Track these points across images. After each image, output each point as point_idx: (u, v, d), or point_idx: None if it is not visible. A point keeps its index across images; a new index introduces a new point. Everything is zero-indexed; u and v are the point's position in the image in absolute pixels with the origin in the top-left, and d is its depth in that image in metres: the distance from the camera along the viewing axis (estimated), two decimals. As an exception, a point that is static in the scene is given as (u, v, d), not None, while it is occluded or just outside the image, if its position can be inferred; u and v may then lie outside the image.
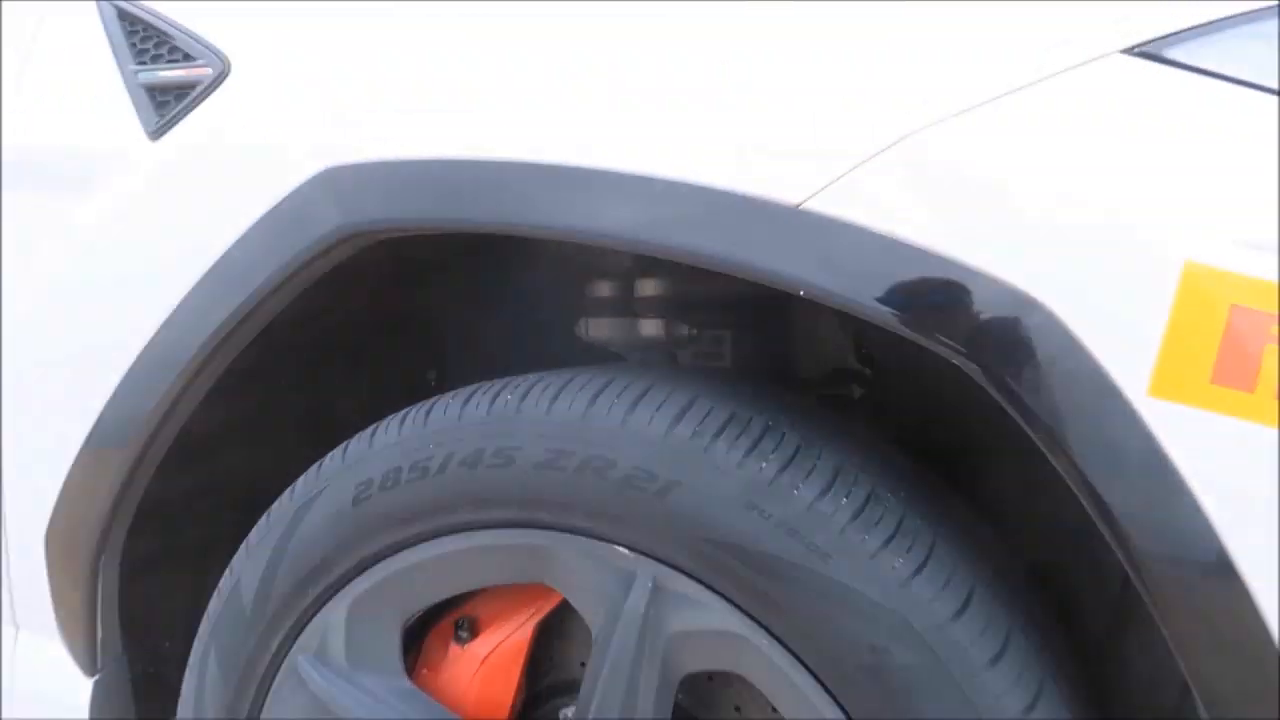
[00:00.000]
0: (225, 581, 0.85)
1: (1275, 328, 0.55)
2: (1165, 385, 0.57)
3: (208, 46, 0.85)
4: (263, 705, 0.84)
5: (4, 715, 0.95)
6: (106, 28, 0.92)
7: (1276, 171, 0.56)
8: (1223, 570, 0.58)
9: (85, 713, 0.92)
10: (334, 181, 0.76)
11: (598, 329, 0.98)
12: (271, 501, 0.87)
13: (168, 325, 0.84)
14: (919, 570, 0.65)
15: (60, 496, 0.90)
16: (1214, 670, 0.60)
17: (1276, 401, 0.55)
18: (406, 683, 0.82)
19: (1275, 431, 0.56)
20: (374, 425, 0.81)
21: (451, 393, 0.79)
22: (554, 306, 1.04)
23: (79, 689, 0.92)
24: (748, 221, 0.63)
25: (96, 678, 0.92)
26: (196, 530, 0.97)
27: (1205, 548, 0.58)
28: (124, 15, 0.92)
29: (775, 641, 0.67)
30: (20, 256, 0.92)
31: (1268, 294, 0.56)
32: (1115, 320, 0.58)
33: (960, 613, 0.64)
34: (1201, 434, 0.57)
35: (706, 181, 0.64)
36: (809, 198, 0.63)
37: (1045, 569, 0.82)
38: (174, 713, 0.99)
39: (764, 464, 0.67)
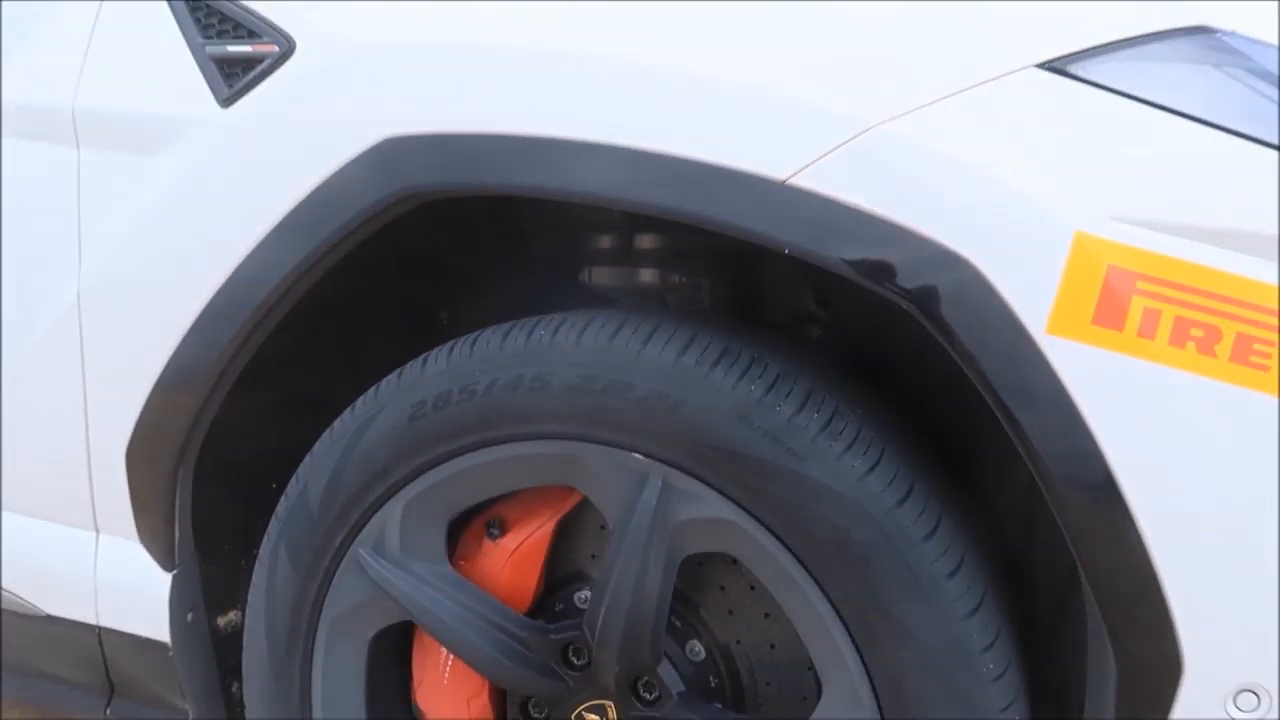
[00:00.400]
0: (292, 487, 1.01)
1: (1140, 281, 0.74)
2: (1059, 325, 0.75)
3: (272, 26, 0.98)
4: (327, 589, 1.00)
5: (93, 605, 1.10)
6: (171, 4, 1.04)
7: (1144, 163, 0.74)
8: (1107, 481, 0.76)
9: (164, 601, 1.07)
10: (392, 150, 0.90)
11: (599, 276, 1.14)
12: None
13: (238, 274, 0.97)
14: (872, 469, 0.83)
15: (139, 420, 1.04)
16: (1097, 561, 0.79)
17: (1138, 338, 0.74)
18: (449, 569, 0.99)
19: (1138, 361, 0.75)
20: (424, 354, 0.96)
21: (491, 328, 0.94)
22: (553, 257, 1.19)
23: (158, 581, 1.07)
24: (747, 192, 0.80)
25: (174, 572, 1.07)
26: (250, 446, 1.11)
27: (1093, 462, 0.76)
28: (185, -9, 1.04)
29: (761, 526, 0.85)
30: (98, 209, 1.05)
31: (1136, 257, 0.74)
32: (1023, 274, 0.76)
33: (903, 500, 0.83)
34: (1086, 365, 0.76)
35: (731, 162, 0.80)
36: (793, 174, 0.80)
37: (969, 477, 1.01)
38: (225, 604, 1.15)
39: (752, 387, 0.85)
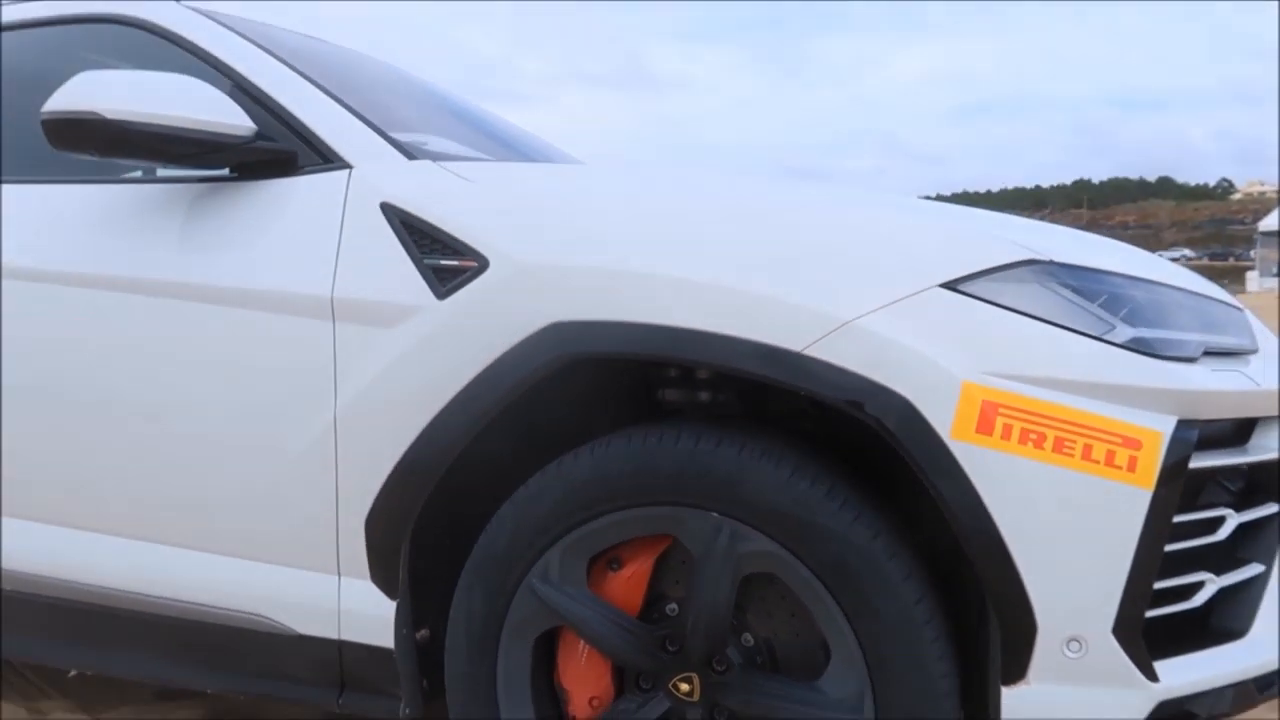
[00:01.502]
0: (483, 539, 1.56)
1: (1000, 408, 1.33)
2: (958, 432, 1.33)
3: (471, 249, 1.56)
4: (508, 607, 1.54)
5: (336, 625, 1.63)
6: (394, 229, 1.62)
7: (1001, 342, 1.34)
8: (991, 527, 1.33)
9: (389, 621, 1.61)
10: (559, 330, 1.48)
11: (671, 395, 1.72)
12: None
13: (451, 404, 1.53)
14: (856, 519, 1.40)
15: (377, 499, 1.59)
16: (989, 573, 1.35)
17: (1002, 440, 1.32)
18: (588, 591, 1.54)
19: (1003, 454, 1.33)
20: (573, 450, 1.52)
21: (618, 434, 1.50)
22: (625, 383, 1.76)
23: (384, 607, 1.61)
24: (782, 359, 1.38)
25: (397, 601, 1.61)
26: (441, 512, 1.66)
27: (983, 515, 1.34)
28: (404, 222, 1.62)
29: (792, 555, 1.41)
30: (350, 360, 1.60)
31: (998, 395, 1.33)
32: (934, 401, 1.34)
33: (875, 537, 1.40)
34: (974, 456, 1.34)
35: (770, 340, 1.38)
36: (806, 348, 1.38)
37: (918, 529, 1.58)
38: (419, 624, 1.67)
39: (783, 471, 1.42)
